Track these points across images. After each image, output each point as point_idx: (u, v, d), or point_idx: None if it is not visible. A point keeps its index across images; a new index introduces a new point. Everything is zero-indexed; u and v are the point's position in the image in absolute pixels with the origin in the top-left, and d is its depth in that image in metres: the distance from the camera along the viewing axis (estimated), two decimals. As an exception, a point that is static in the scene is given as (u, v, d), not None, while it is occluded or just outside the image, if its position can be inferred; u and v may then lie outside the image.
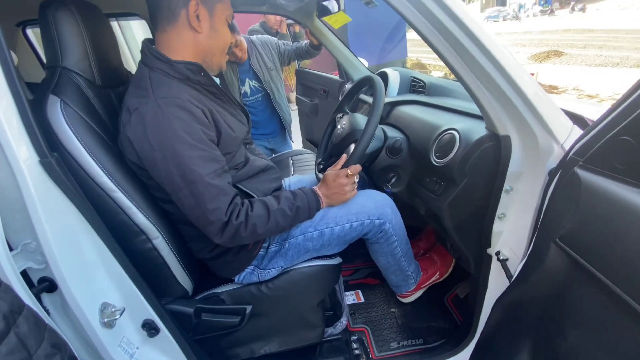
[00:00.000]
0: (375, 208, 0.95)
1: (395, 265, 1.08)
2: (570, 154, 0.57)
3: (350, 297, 1.32)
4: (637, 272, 0.44)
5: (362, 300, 1.30)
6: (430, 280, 1.19)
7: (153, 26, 0.77)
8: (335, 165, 0.94)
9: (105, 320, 0.68)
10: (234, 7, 0.83)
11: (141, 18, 1.40)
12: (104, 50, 0.80)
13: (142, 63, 0.77)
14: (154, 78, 0.73)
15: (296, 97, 2.39)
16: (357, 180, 0.91)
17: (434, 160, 0.87)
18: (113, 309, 0.70)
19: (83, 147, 0.68)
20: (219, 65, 0.84)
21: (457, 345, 0.97)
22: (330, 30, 1.64)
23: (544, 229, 0.61)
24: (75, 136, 0.67)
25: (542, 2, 30.24)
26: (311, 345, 1.04)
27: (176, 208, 0.78)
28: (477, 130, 0.79)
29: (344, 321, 1.08)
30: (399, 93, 1.34)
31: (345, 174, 0.88)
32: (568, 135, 0.66)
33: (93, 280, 0.68)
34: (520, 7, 32.82)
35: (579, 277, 0.53)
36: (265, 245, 0.93)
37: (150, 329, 0.76)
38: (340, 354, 1.05)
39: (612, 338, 0.48)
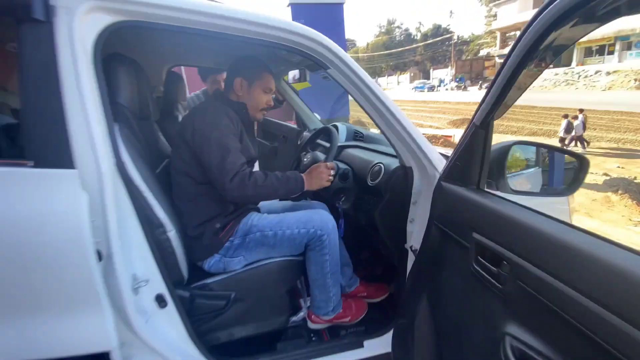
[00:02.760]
0: (321, 222, 1.23)
1: (322, 280, 1.26)
2: (440, 175, 1.02)
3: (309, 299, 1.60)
4: (462, 224, 0.85)
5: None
6: (340, 320, 1.35)
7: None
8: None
9: (134, 287, 0.91)
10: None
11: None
12: (142, 94, 1.12)
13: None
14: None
15: (256, 140, 2.78)
16: (332, 173, 1.25)
17: (369, 182, 1.29)
18: (139, 280, 0.93)
19: (130, 158, 0.96)
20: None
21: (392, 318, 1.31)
22: (292, 90, 2.12)
23: (430, 219, 1.04)
24: (126, 150, 0.95)
25: (457, 79, 36.36)
26: (279, 330, 1.30)
27: (203, 189, 1.15)
28: (394, 163, 1.24)
29: (304, 311, 1.36)
30: (346, 140, 1.82)
31: (324, 165, 1.24)
32: (441, 166, 1.12)
33: (129, 256, 0.91)
34: (441, 81, 39.00)
35: (442, 237, 0.95)
36: (231, 239, 1.19)
37: (161, 301, 0.99)
38: (301, 337, 1.32)
39: (457, 265, 0.89)
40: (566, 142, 8.94)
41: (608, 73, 23.10)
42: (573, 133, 8.84)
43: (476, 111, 0.82)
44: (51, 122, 0.78)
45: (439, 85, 38.21)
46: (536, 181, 1.16)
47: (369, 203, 1.32)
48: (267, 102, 1.34)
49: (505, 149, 0.89)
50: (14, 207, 0.76)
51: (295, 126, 2.44)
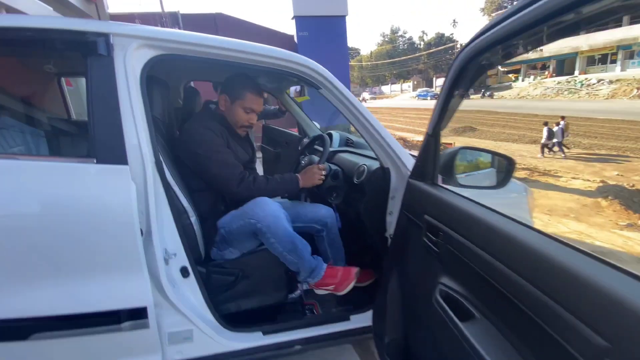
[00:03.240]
0: (253, 211, 1.34)
1: (283, 257, 1.40)
2: (410, 174, 1.27)
3: (305, 285, 1.84)
4: (419, 209, 1.09)
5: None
6: (325, 287, 1.48)
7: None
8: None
9: (165, 258, 1.16)
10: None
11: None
12: (169, 108, 1.39)
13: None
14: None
15: (261, 146, 3.05)
16: (324, 173, 1.50)
17: (355, 180, 1.55)
18: (169, 253, 1.18)
19: (163, 159, 1.22)
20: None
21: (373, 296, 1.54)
22: (294, 101, 2.39)
23: (401, 209, 1.28)
24: (161, 153, 1.22)
25: (461, 87, 36.56)
26: (279, 304, 1.54)
27: (202, 185, 1.39)
28: (375, 165, 1.49)
29: (300, 289, 1.61)
30: (339, 146, 2.08)
31: (317, 167, 1.50)
32: (411, 166, 1.37)
33: (162, 234, 1.17)
34: (444, 89, 39.35)
35: (408, 222, 1.19)
36: (220, 231, 1.41)
37: (185, 272, 1.24)
38: (298, 311, 1.56)
39: (415, 241, 1.12)
40: (549, 147, 9.66)
41: (610, 82, 23.23)
42: (555, 139, 9.53)
43: (428, 124, 1.07)
44: (111, 130, 1.05)
45: (442, 93, 38.41)
46: (489, 179, 1.40)
47: (355, 199, 1.57)
48: (248, 120, 1.47)
49: (454, 153, 1.14)
50: (81, 192, 1.03)
51: (296, 133, 2.71)
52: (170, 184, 1.22)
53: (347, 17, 7.98)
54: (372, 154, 1.72)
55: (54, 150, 1.79)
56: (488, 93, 32.71)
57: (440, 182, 1.13)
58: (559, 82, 27.29)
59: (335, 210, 1.69)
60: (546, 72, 31.36)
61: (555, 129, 9.48)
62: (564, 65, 30.11)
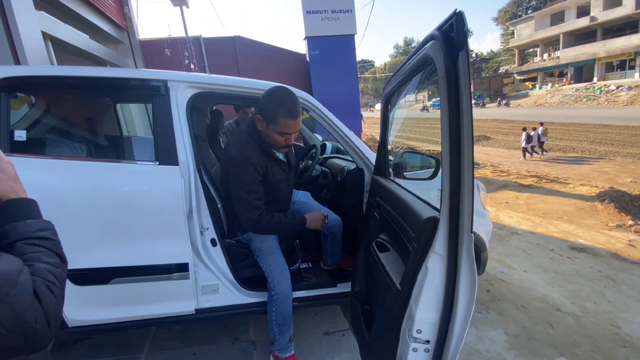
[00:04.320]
0: (278, 279, 1.69)
1: (270, 320, 1.73)
2: (373, 171, 1.75)
3: (304, 264, 2.32)
4: (374, 194, 1.56)
5: (310, 266, 2.30)
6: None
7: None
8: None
9: (200, 230, 1.68)
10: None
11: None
12: (202, 127, 1.93)
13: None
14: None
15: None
16: (326, 222, 1.69)
17: (338, 178, 2.03)
18: (204, 227, 1.69)
19: (201, 163, 1.74)
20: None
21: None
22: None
23: (368, 197, 1.75)
24: (200, 159, 1.74)
25: (476, 97, 36.51)
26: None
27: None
28: (352, 166, 1.97)
29: (300, 262, 2.08)
30: (331, 153, 2.58)
31: (322, 215, 1.68)
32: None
33: (200, 214, 1.68)
34: (459, 98, 39.32)
35: (369, 205, 1.65)
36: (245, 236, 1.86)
37: (214, 242, 1.74)
38: (296, 279, 2.03)
39: (372, 216, 1.59)
40: (528, 150, 10.76)
41: (630, 88, 22.76)
42: (532, 142, 10.70)
43: (379, 134, 1.55)
44: (168, 142, 1.59)
45: (458, 103, 38.39)
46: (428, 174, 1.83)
47: (340, 192, 2.05)
48: (286, 140, 1.48)
49: (401, 155, 1.61)
50: (149, 182, 1.57)
51: (302, 144, 3.23)
52: (205, 180, 1.75)
53: (360, 32, 8.54)
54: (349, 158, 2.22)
55: (111, 155, 2.38)
56: (504, 102, 32.49)
57: (392, 177, 1.60)
58: (577, 89, 26.90)
59: (326, 203, 2.17)
60: (564, 79, 30.93)
61: (532, 133, 10.62)
62: (582, 72, 29.65)
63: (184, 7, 7.23)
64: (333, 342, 2.03)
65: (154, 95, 1.60)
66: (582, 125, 17.01)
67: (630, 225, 4.32)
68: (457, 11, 0.72)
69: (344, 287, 1.96)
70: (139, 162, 1.63)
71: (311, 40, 8.06)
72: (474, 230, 1.43)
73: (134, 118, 3.43)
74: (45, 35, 3.35)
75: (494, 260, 3.11)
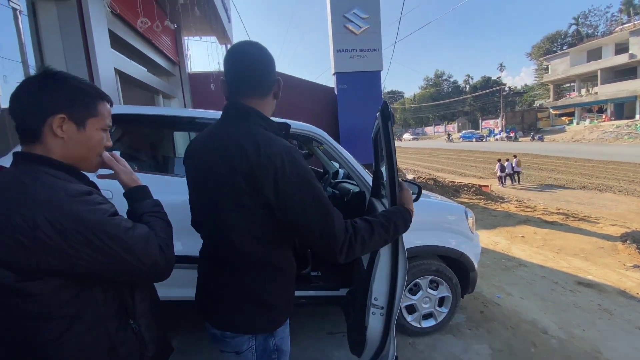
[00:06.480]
0: None
1: None
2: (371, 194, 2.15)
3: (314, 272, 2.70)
4: (370, 209, 1.96)
5: (320, 274, 2.68)
6: None
7: (240, 94, 0.94)
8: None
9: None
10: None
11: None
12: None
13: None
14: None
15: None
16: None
17: (345, 199, 2.45)
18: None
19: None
20: None
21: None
22: (317, 148, 3.41)
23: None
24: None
25: (508, 130, 35.90)
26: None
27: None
28: (357, 189, 2.38)
29: (310, 268, 2.47)
30: (341, 178, 3.01)
31: (407, 190, 1.15)
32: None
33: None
34: (490, 132, 38.83)
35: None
36: None
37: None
38: (305, 280, 2.41)
39: None
40: (502, 178, 12.64)
41: (676, 126, 21.54)
42: (506, 172, 12.71)
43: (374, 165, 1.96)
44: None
45: (488, 136, 37.97)
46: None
47: (346, 212, 2.45)
48: None
49: None
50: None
51: (321, 170, 3.71)
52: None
53: (386, 66, 9.14)
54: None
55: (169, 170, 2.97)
56: (538, 136, 31.69)
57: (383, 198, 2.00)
58: (617, 126, 25.81)
59: None
60: (603, 116, 29.81)
61: (506, 164, 12.68)
62: (623, 108, 28.50)
63: (229, 45, 8.21)
64: (334, 341, 2.36)
65: (195, 127, 2.13)
66: (621, 163, 16.28)
67: (648, 266, 4.29)
68: (384, 101, 1.23)
69: (344, 291, 2.32)
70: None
71: (339, 75, 8.74)
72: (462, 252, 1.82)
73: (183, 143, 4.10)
74: (115, 70, 4.07)
75: (493, 287, 3.30)
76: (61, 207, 0.65)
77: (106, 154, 0.92)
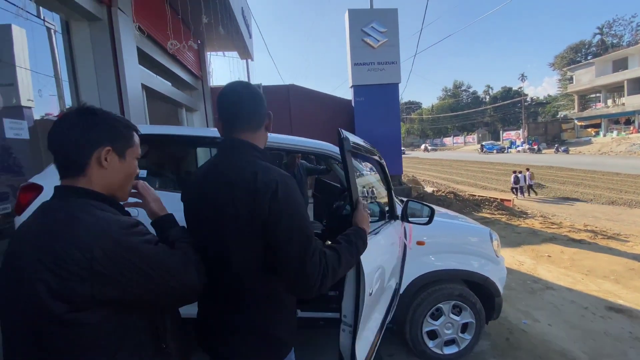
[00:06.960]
0: None
1: None
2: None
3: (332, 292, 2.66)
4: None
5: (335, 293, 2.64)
6: None
7: (234, 130, 0.97)
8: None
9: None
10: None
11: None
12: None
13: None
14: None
15: (313, 193, 4.07)
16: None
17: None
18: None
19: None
20: None
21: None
22: (336, 164, 3.41)
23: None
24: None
25: (530, 141, 34.83)
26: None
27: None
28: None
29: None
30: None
31: (365, 212, 1.19)
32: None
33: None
34: (512, 143, 37.79)
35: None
36: None
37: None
38: (326, 304, 2.38)
39: None
40: (515, 190, 13.12)
41: None
42: (521, 183, 13.12)
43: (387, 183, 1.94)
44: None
45: (510, 147, 36.97)
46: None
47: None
48: None
49: (406, 202, 1.96)
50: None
51: (339, 186, 3.70)
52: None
53: (404, 78, 9.12)
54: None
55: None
56: (563, 148, 30.57)
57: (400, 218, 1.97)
58: (648, 139, 24.60)
59: None
60: (631, 127, 28.51)
61: (519, 175, 13.07)
62: (654, 119, 27.20)
63: (249, 60, 8.44)
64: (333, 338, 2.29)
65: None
66: (650, 177, 15.48)
67: (685, 292, 4.01)
68: (338, 132, 1.28)
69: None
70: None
71: (357, 88, 8.77)
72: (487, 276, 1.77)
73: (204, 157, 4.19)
74: (142, 85, 4.25)
75: (520, 312, 3.16)
76: (117, 239, 0.69)
77: (142, 182, 0.96)
